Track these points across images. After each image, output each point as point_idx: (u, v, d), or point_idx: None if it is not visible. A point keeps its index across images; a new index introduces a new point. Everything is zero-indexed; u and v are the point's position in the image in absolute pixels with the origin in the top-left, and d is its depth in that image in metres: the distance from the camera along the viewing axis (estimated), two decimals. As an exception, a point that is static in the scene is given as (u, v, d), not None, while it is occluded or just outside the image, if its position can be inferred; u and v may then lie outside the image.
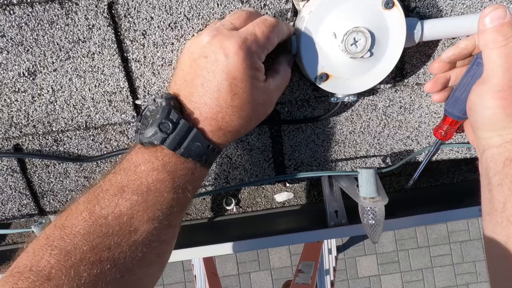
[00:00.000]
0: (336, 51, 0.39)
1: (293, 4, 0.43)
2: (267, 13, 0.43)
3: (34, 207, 0.52)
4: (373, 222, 0.48)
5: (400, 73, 0.48)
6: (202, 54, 0.34)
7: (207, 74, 0.33)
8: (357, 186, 0.49)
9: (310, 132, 0.49)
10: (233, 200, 0.62)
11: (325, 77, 0.41)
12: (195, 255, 0.58)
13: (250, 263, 2.46)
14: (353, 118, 0.49)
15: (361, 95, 0.48)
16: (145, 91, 0.46)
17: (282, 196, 0.63)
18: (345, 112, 0.49)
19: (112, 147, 0.49)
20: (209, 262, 1.44)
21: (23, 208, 0.52)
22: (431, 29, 0.42)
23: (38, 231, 0.49)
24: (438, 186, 0.68)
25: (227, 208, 0.63)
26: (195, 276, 1.59)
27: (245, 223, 0.62)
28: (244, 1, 0.42)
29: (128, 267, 0.31)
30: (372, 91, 0.48)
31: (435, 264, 2.61)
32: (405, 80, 0.48)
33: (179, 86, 0.36)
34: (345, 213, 0.57)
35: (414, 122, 0.51)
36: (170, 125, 0.32)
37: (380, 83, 0.45)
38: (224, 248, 0.56)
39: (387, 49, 0.41)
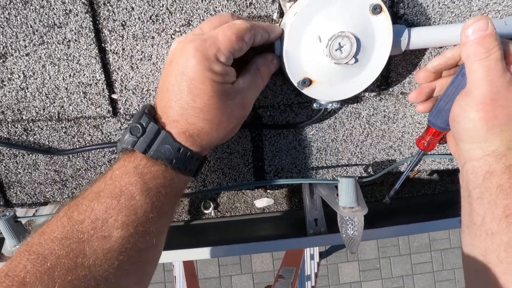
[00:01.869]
0: (320, 56, 0.38)
1: (279, 5, 0.41)
2: (252, 12, 0.42)
3: (-1, 199, 0.50)
4: (352, 232, 0.47)
5: (385, 82, 0.47)
6: (169, 59, 0.35)
7: (170, 78, 0.34)
8: (337, 194, 0.48)
9: (291, 138, 0.48)
10: (211, 203, 0.61)
11: (308, 82, 0.39)
12: (171, 258, 0.56)
13: (232, 266, 2.44)
14: (335, 126, 0.48)
15: (344, 102, 0.47)
16: (122, 85, 0.44)
17: (262, 202, 0.61)
18: (328, 119, 0.48)
19: (85, 142, 0.47)
20: (188, 264, 1.42)
21: (-12, 200, 0.50)
22: (418, 37, 0.41)
23: (1, 224, 0.46)
24: (420, 197, 0.68)
25: (205, 211, 0.61)
26: (175, 277, 1.57)
27: (223, 228, 0.60)
28: (230, -2, 0.41)
29: (104, 275, 0.31)
30: (356, 99, 0.47)
31: (415, 271, 2.66)
32: (390, 89, 0.47)
33: (157, 94, 0.38)
34: (324, 221, 0.56)
35: (397, 132, 0.50)
36: (140, 128, 0.34)
37: (365, 91, 0.44)
38: (201, 253, 0.55)
39: (372, 56, 0.39)
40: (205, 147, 0.37)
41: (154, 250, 0.36)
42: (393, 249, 2.70)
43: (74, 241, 0.30)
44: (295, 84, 0.40)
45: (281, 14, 0.42)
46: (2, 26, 0.41)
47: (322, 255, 2.64)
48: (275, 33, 0.38)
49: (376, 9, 0.37)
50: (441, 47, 0.46)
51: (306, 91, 0.40)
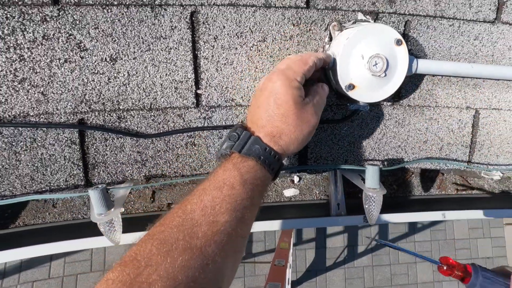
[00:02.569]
0: (362, 69, 0.54)
1: (330, 32, 0.57)
2: (310, 36, 0.57)
3: (82, 178, 0.58)
4: (373, 206, 0.60)
5: (397, 95, 0.63)
6: (260, 89, 0.48)
7: (261, 98, 0.46)
8: (362, 179, 0.62)
9: (330, 132, 0.62)
10: (249, 191, 0.72)
11: (352, 86, 0.55)
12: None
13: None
14: (362, 125, 0.63)
15: (370, 107, 0.63)
16: (207, 83, 0.56)
17: (289, 192, 0.74)
18: (357, 120, 0.63)
19: (168, 128, 0.57)
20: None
21: (71, 179, 0.57)
22: (423, 65, 0.59)
23: (94, 194, 0.54)
24: (409, 196, 0.84)
25: (243, 198, 0.72)
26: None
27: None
28: (295, 24, 0.56)
29: (212, 255, 0.36)
30: (378, 106, 0.63)
31: (378, 305, 2.79)
32: (401, 101, 0.64)
33: (247, 116, 0.50)
34: (345, 206, 0.70)
35: (404, 135, 0.66)
36: (236, 135, 0.45)
37: (384, 100, 0.60)
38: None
39: (395, 74, 0.56)
40: (284, 148, 0.46)
41: (245, 240, 0.42)
42: (359, 281, 2.85)
43: (189, 227, 0.36)
44: (343, 87, 0.55)
45: (330, 38, 0.58)
46: (118, 37, 0.52)
47: (293, 284, 2.71)
48: (329, 58, 0.53)
49: (398, 42, 0.54)
50: (434, 76, 0.64)
51: (350, 93, 0.55)
